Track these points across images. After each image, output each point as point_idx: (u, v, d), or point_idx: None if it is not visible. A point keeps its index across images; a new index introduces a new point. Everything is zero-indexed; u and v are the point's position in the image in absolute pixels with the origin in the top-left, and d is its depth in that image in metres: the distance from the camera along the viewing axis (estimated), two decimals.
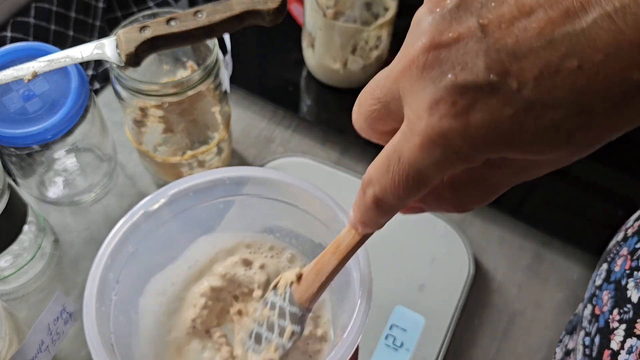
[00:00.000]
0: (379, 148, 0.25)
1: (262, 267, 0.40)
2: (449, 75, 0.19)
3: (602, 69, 0.18)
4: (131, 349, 0.36)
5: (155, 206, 0.36)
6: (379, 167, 0.23)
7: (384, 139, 0.25)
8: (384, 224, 0.27)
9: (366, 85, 0.25)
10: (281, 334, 0.35)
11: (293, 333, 0.34)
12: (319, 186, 0.37)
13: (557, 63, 0.18)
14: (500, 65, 0.19)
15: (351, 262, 0.33)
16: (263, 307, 0.36)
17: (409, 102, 0.21)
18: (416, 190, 0.23)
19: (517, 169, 0.23)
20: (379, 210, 0.25)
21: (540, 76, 0.18)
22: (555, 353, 0.50)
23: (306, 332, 0.37)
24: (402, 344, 0.49)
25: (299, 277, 0.34)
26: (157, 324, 0.38)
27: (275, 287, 0.35)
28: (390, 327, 0.50)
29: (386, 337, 0.49)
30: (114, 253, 0.35)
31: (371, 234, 0.30)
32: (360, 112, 0.25)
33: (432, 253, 0.53)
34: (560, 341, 0.50)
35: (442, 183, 0.25)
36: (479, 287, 0.54)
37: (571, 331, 0.48)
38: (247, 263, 0.40)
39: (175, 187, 0.37)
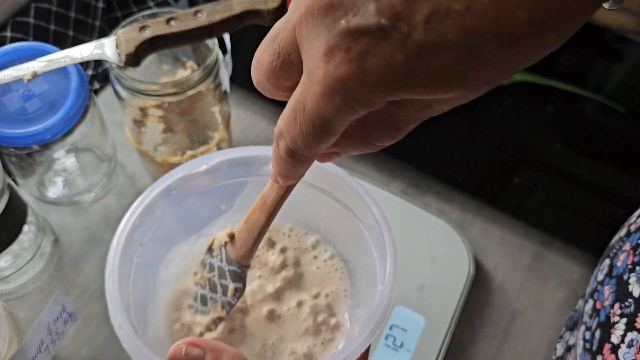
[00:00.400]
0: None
1: (282, 250, 0.40)
2: (342, 22, 0.20)
3: (490, 10, 0.18)
4: (145, 315, 0.37)
5: (186, 174, 0.37)
6: (286, 119, 0.24)
7: (287, 95, 0.25)
8: (303, 174, 0.28)
9: (262, 42, 0.25)
10: (224, 292, 0.36)
11: (236, 290, 0.35)
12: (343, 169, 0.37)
13: (447, 5, 0.18)
14: (390, 9, 0.19)
15: (378, 257, 0.34)
16: (202, 269, 0.37)
17: (306, 51, 0.22)
18: (324, 138, 0.23)
19: (420, 106, 0.23)
20: (294, 161, 0.25)
21: (430, 19, 0.19)
22: (556, 349, 0.50)
23: (320, 319, 0.38)
24: (402, 344, 0.49)
25: (232, 237, 0.35)
26: (172, 294, 0.39)
27: (209, 249, 0.36)
28: (391, 327, 0.50)
29: (386, 337, 0.49)
30: (143, 215, 0.35)
31: (294, 186, 0.31)
32: (261, 71, 0.25)
33: (432, 253, 0.53)
34: (561, 337, 0.50)
35: (352, 125, 0.25)
36: (479, 287, 0.54)
37: (572, 327, 0.48)
38: (271, 244, 0.40)
39: (218, 157, 0.37)
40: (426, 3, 0.19)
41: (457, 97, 0.22)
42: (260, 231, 0.33)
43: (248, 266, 0.35)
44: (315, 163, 0.29)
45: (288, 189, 0.31)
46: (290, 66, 0.24)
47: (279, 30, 0.24)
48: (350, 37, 0.20)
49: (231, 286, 0.35)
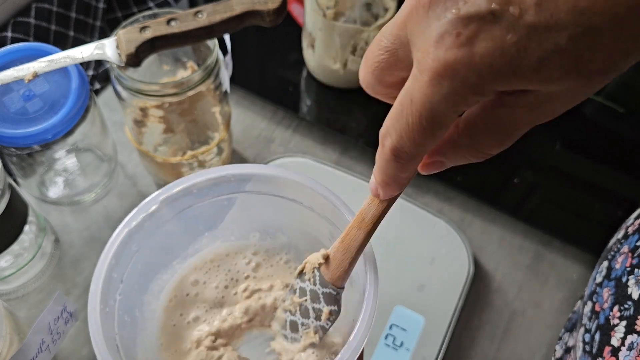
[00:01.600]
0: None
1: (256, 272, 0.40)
2: (453, 10, 0.20)
3: None
4: (136, 347, 0.36)
5: (156, 206, 0.36)
6: (393, 115, 0.23)
7: (391, 93, 0.25)
8: (405, 183, 0.27)
9: (373, 39, 0.25)
10: (317, 317, 0.35)
11: (331, 313, 0.34)
12: (321, 183, 0.37)
13: None
14: None
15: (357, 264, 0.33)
16: (292, 295, 0.36)
17: (416, 44, 0.22)
18: (431, 132, 0.22)
19: (530, 105, 0.22)
20: (398, 162, 0.24)
21: (541, 1, 0.19)
22: (555, 351, 0.50)
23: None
24: (402, 344, 0.49)
25: (326, 258, 0.33)
26: (162, 321, 0.38)
27: (300, 273, 0.35)
28: (390, 327, 0.50)
29: (386, 337, 0.49)
30: (118, 253, 0.35)
31: (394, 200, 0.30)
32: (368, 65, 0.25)
33: (432, 253, 0.53)
34: (560, 339, 0.50)
35: (458, 131, 0.25)
36: (479, 287, 0.54)
37: (571, 329, 0.48)
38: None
39: (177, 186, 0.37)
40: None
41: (570, 92, 0.21)
42: (357, 250, 0.32)
43: (343, 288, 0.34)
44: (290, 173, 0.29)
45: (388, 204, 0.30)
46: (396, 61, 0.24)
47: (388, 28, 0.24)
48: (460, 23, 0.20)
49: (325, 309, 0.34)
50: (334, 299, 0.34)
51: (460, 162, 0.26)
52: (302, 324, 0.36)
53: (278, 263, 0.41)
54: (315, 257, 0.34)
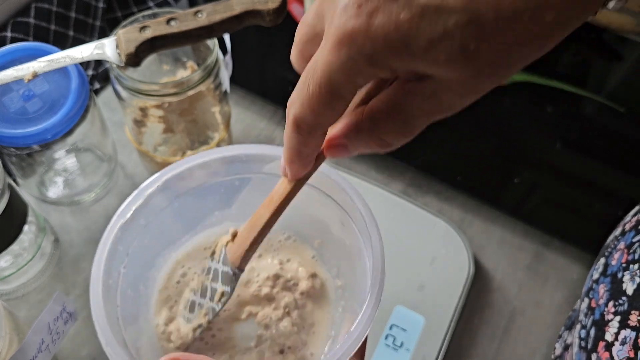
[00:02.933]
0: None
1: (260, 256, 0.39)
2: None
3: None
4: (138, 322, 0.36)
5: (167, 181, 0.36)
6: (299, 85, 0.25)
7: None
8: (309, 159, 0.28)
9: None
10: (212, 297, 0.34)
11: (223, 294, 0.34)
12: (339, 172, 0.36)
13: None
14: None
15: (364, 248, 0.33)
16: (199, 274, 0.35)
17: (326, 15, 0.24)
18: (330, 101, 0.24)
19: (426, 94, 0.23)
20: (300, 133, 0.26)
21: None
22: (555, 348, 0.50)
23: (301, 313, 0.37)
24: (402, 344, 0.49)
25: (234, 236, 0.33)
26: (166, 298, 0.38)
27: (212, 252, 0.35)
28: (390, 327, 0.50)
29: (386, 337, 0.49)
30: (125, 226, 0.35)
31: (302, 181, 0.30)
32: (295, 42, 0.27)
33: (432, 253, 0.53)
34: (560, 336, 0.50)
35: (361, 115, 0.26)
36: (479, 286, 0.54)
37: (570, 327, 0.48)
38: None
39: (188, 162, 0.36)
40: None
41: (462, 82, 0.22)
42: (261, 230, 0.32)
43: (242, 270, 0.33)
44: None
45: (295, 185, 0.30)
46: (315, 35, 0.25)
47: (311, 6, 0.26)
48: None
49: (219, 289, 0.34)
50: (229, 280, 0.33)
51: (363, 149, 0.27)
52: (199, 304, 0.35)
53: (282, 242, 0.40)
54: (226, 236, 0.34)
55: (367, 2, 0.21)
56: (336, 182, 0.35)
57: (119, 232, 0.34)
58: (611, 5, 0.25)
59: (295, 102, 0.25)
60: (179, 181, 0.36)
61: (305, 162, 0.28)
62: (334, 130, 0.27)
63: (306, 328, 0.37)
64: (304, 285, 0.38)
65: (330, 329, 0.38)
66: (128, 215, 0.35)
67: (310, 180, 0.36)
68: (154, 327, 0.37)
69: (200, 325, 0.35)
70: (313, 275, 0.39)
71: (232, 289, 0.34)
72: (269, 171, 0.37)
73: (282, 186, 0.31)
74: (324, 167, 0.35)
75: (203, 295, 0.35)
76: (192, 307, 0.36)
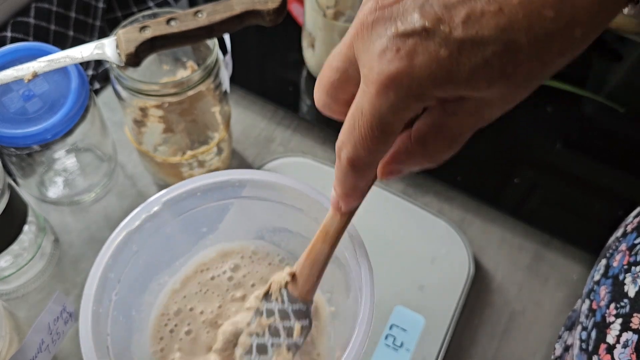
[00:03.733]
0: None
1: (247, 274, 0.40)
2: (392, 29, 0.23)
3: (520, 10, 0.21)
4: (130, 348, 0.36)
5: (158, 208, 0.36)
6: (346, 128, 0.26)
7: (346, 111, 0.27)
8: (364, 192, 0.29)
9: (325, 61, 0.27)
10: (289, 334, 0.35)
11: (302, 328, 0.35)
12: (316, 188, 0.37)
13: (481, 8, 0.22)
14: (433, 15, 0.22)
15: (355, 278, 0.34)
16: (258, 317, 0.36)
17: (362, 60, 0.24)
18: (383, 139, 0.25)
19: (469, 111, 0.25)
20: (356, 172, 0.27)
21: (468, 20, 0.22)
22: (555, 349, 0.50)
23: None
24: (402, 344, 0.49)
25: (293, 276, 0.34)
26: (159, 322, 0.38)
27: (266, 294, 0.35)
28: (390, 327, 0.50)
29: (386, 337, 0.49)
30: (116, 253, 0.35)
31: (354, 211, 0.31)
32: (322, 86, 0.28)
33: (432, 253, 0.53)
34: (560, 337, 0.50)
35: (409, 139, 0.27)
36: (479, 287, 0.54)
37: (570, 327, 0.48)
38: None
39: (179, 189, 0.37)
40: (463, 7, 0.22)
41: (503, 98, 0.24)
42: (324, 263, 0.33)
43: (312, 301, 0.35)
44: (285, 179, 0.29)
45: (349, 217, 0.31)
46: (348, 79, 0.26)
47: (337, 50, 0.26)
48: (399, 39, 0.23)
49: (297, 325, 0.35)
50: (304, 314, 0.35)
51: (416, 168, 0.28)
52: (272, 344, 0.36)
53: (272, 264, 0.41)
54: (281, 276, 0.35)
55: (404, 43, 0.22)
56: (316, 200, 0.36)
57: (110, 260, 0.35)
58: (626, 10, 0.26)
59: (347, 144, 0.26)
60: (168, 207, 0.37)
61: (360, 194, 0.29)
62: (385, 157, 0.28)
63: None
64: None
65: (328, 356, 0.38)
66: (117, 242, 0.35)
67: (300, 206, 0.37)
68: (148, 353, 0.37)
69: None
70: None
71: (311, 322, 0.35)
72: (247, 194, 0.39)
73: (335, 219, 0.32)
74: (319, 196, 0.36)
75: (275, 335, 0.36)
76: (262, 350, 0.36)
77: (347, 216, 0.32)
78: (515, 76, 0.22)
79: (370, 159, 0.26)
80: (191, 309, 0.39)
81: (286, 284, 0.34)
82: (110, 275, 0.35)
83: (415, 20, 0.22)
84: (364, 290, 0.33)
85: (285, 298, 0.35)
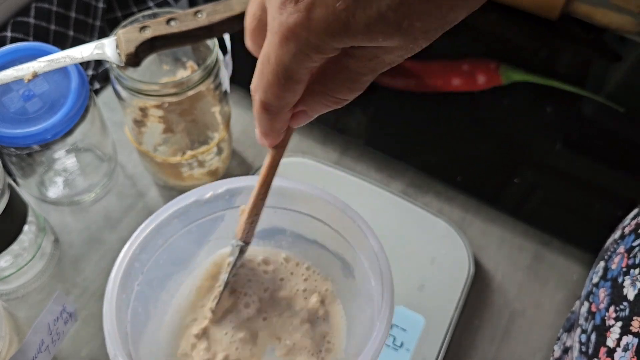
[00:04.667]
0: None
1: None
2: None
3: None
4: (142, 342, 0.36)
5: (190, 203, 0.37)
6: (257, 73, 0.27)
7: None
8: (281, 130, 0.30)
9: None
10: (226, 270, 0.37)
11: (228, 264, 0.36)
12: (329, 191, 0.37)
13: None
14: None
15: (375, 286, 0.35)
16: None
17: (269, 10, 0.25)
18: (289, 86, 0.26)
19: (369, 56, 0.25)
20: (269, 114, 0.28)
21: None
22: (554, 351, 0.50)
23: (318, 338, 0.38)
24: (402, 344, 0.49)
25: (242, 212, 0.36)
26: (174, 324, 0.39)
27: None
28: (391, 327, 0.50)
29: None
30: (144, 243, 0.35)
31: (281, 149, 0.33)
32: (246, 32, 0.29)
33: (432, 253, 0.53)
34: (559, 339, 0.50)
35: (312, 78, 0.27)
36: (479, 287, 0.54)
37: (569, 329, 0.48)
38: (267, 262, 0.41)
39: (218, 188, 0.38)
40: None
41: (400, 47, 0.24)
42: (255, 201, 0.35)
43: (247, 243, 0.36)
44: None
45: (277, 154, 0.33)
46: (263, 25, 0.27)
47: None
48: None
49: (227, 260, 0.37)
50: (232, 251, 0.36)
51: (321, 109, 0.29)
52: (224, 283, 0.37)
53: (298, 269, 0.41)
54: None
55: None
56: (355, 223, 0.37)
57: (137, 249, 0.35)
58: None
59: (257, 88, 0.27)
60: (197, 207, 0.38)
61: (279, 132, 0.31)
62: None
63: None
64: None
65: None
66: (147, 232, 0.35)
67: (331, 223, 0.38)
68: (159, 347, 0.37)
69: (215, 297, 0.37)
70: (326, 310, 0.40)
71: (236, 259, 0.36)
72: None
73: (268, 156, 0.34)
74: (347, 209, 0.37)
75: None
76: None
77: (275, 151, 0.33)
78: (412, 29, 0.23)
79: (280, 104, 0.27)
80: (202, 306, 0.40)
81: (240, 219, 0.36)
82: (136, 265, 0.35)
83: None
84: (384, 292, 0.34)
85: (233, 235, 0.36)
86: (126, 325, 0.34)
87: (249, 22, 0.28)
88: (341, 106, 0.28)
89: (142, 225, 0.36)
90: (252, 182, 0.37)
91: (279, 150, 0.33)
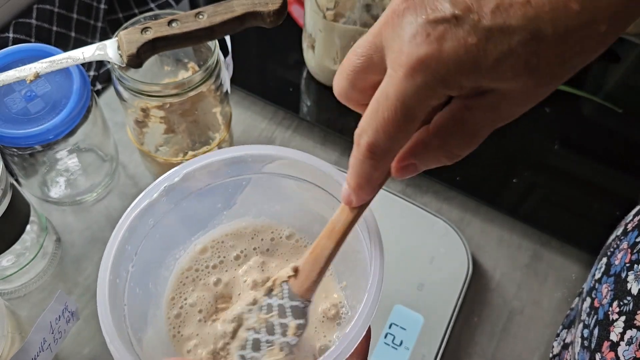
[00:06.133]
0: None
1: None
2: (423, 16, 0.24)
3: (547, 2, 0.22)
4: (147, 319, 0.36)
5: (177, 179, 0.36)
6: (369, 113, 0.26)
7: (363, 99, 0.27)
8: (378, 185, 0.29)
9: (350, 49, 0.28)
10: (284, 333, 0.34)
11: (298, 327, 0.34)
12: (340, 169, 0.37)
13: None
14: (463, 4, 0.23)
15: (366, 249, 0.33)
16: (258, 312, 0.35)
17: (391, 46, 0.25)
18: (405, 125, 0.25)
19: (490, 106, 0.25)
20: (373, 159, 0.27)
21: (496, 9, 0.23)
22: (553, 347, 0.50)
23: (319, 309, 0.37)
24: (401, 343, 0.49)
25: (296, 271, 0.33)
26: (177, 298, 0.38)
27: (269, 290, 0.35)
28: (390, 326, 0.50)
29: (385, 336, 0.50)
30: (133, 226, 0.35)
31: (364, 209, 0.31)
32: (343, 71, 0.28)
33: (431, 252, 0.54)
34: (558, 335, 0.50)
35: (429, 133, 0.27)
36: (478, 286, 0.55)
37: (568, 325, 0.49)
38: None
39: (198, 162, 0.37)
40: None
41: (523, 92, 0.24)
42: (327, 260, 0.32)
43: (311, 300, 0.34)
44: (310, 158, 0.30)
45: (358, 212, 0.31)
46: (370, 65, 0.27)
47: (364, 37, 0.27)
48: (429, 25, 0.23)
49: (292, 324, 0.34)
50: (302, 312, 0.33)
51: (432, 165, 0.28)
52: (267, 342, 0.34)
53: (287, 244, 0.40)
54: (285, 271, 0.34)
55: (434, 29, 0.23)
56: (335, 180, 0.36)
57: (126, 233, 0.35)
58: None
59: (368, 130, 0.26)
60: (184, 182, 0.37)
61: (374, 187, 0.29)
62: (401, 152, 0.28)
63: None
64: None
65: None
66: (135, 215, 0.35)
67: (320, 183, 0.37)
68: (163, 326, 0.37)
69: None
70: None
71: (307, 320, 0.34)
72: (268, 171, 0.38)
73: (343, 214, 0.31)
74: (334, 171, 0.36)
75: (270, 332, 0.34)
76: (256, 346, 0.35)
77: (356, 212, 0.31)
78: (538, 69, 0.23)
79: (389, 146, 0.26)
80: (205, 284, 0.39)
81: (288, 278, 0.33)
82: (127, 248, 0.35)
83: (446, 8, 0.23)
84: (374, 259, 0.33)
85: (286, 293, 0.34)
86: (123, 309, 0.34)
87: (352, 61, 0.27)
88: (453, 162, 0.28)
89: (128, 209, 0.35)
90: (239, 151, 0.36)
91: (362, 208, 0.31)
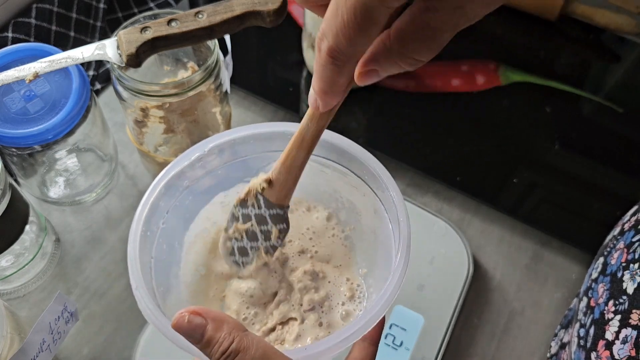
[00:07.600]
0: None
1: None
2: None
3: None
4: (169, 277, 0.38)
5: (213, 147, 0.38)
6: (329, 16, 0.25)
7: (320, 0, 0.27)
8: (343, 89, 0.28)
9: None
10: (267, 238, 0.37)
11: (280, 231, 0.36)
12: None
13: None
14: None
15: (392, 235, 0.36)
16: (235, 223, 0.37)
17: None
18: (365, 28, 0.24)
19: (451, 7, 0.24)
20: (335, 64, 0.26)
21: None
22: (551, 347, 0.50)
23: (337, 291, 0.39)
24: (401, 343, 0.49)
25: (269, 182, 0.35)
26: (198, 259, 0.40)
27: (242, 201, 0.36)
28: (390, 327, 0.50)
29: (386, 337, 0.49)
30: (169, 184, 0.37)
31: (331, 115, 0.31)
32: None
33: (432, 253, 0.54)
34: (556, 335, 0.50)
35: (389, 37, 0.26)
36: (478, 286, 0.55)
37: (566, 325, 0.49)
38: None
39: (238, 133, 0.38)
40: None
41: None
42: (300, 168, 0.34)
43: (288, 206, 0.36)
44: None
45: (326, 120, 0.32)
46: None
47: None
48: None
49: (274, 229, 0.36)
50: (282, 218, 0.36)
51: (393, 70, 0.27)
52: (251, 247, 0.37)
53: (310, 216, 0.42)
54: (257, 183, 0.36)
55: None
56: (371, 169, 0.38)
57: (162, 189, 0.36)
58: None
59: (328, 33, 0.25)
60: (223, 150, 0.38)
61: (338, 92, 0.29)
62: (363, 57, 0.27)
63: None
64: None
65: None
66: (173, 174, 0.37)
67: (347, 164, 0.39)
68: (181, 284, 0.39)
69: (265, 264, 0.38)
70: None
71: (287, 225, 0.36)
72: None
73: (312, 124, 0.32)
74: (364, 154, 0.38)
75: (253, 239, 0.37)
76: (243, 252, 0.38)
77: (324, 118, 0.32)
78: None
79: (351, 50, 0.25)
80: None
81: (263, 189, 0.35)
82: (161, 204, 0.36)
83: None
84: (402, 241, 0.36)
85: (262, 203, 0.36)
86: (150, 261, 0.35)
87: None
88: (414, 68, 0.27)
89: (165, 169, 0.37)
90: (272, 128, 0.38)
91: (329, 114, 0.31)
